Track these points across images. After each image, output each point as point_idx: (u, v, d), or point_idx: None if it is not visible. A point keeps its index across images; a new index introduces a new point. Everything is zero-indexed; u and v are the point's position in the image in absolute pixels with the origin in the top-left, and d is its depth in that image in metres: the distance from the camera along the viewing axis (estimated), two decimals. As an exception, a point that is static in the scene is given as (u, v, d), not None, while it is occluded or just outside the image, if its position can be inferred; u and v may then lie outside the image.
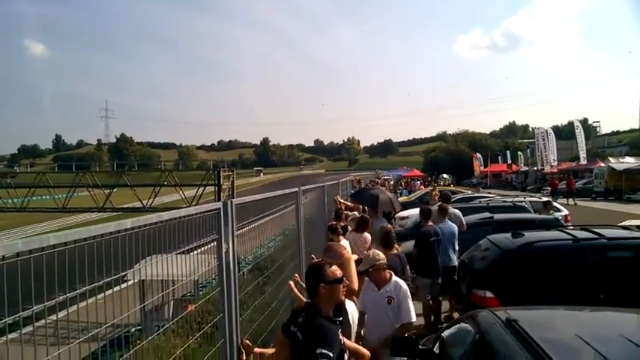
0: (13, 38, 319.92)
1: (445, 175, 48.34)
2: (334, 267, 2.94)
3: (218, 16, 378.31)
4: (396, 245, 6.33)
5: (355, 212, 10.10)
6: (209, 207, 3.27)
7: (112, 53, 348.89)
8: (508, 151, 66.20)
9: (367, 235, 7.45)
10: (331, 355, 2.55)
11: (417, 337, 3.90)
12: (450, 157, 77.47)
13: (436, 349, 3.43)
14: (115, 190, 20.92)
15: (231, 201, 3.45)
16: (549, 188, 33.57)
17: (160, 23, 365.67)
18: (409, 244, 8.11)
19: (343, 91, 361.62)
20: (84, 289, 2.27)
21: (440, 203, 9.55)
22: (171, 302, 4.86)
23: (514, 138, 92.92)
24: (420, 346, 3.47)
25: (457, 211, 9.27)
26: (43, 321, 2.06)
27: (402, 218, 14.87)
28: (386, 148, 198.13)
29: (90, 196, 21.32)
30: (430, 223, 7.72)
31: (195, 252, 3.55)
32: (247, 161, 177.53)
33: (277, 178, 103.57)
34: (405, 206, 16.21)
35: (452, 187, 30.04)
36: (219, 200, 18.54)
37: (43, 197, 24.39)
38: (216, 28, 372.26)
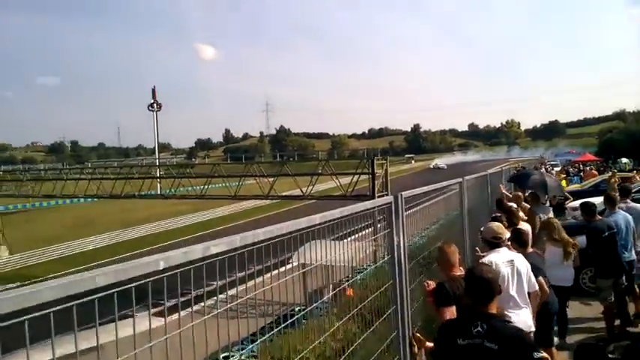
0: (186, 43, 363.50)
1: (625, 160, 41.16)
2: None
3: (365, 1, 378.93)
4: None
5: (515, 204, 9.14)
6: (382, 201, 3.51)
7: (270, 49, 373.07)
8: None
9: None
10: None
11: (603, 343, 3.41)
12: (631, 139, 66.45)
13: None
14: (277, 178, 22.71)
15: (401, 194, 3.57)
16: None
17: (308, 14, 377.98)
18: (584, 239, 7.10)
19: (500, 69, 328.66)
20: (255, 268, 2.48)
21: (607, 193, 7.95)
22: (330, 286, 5.06)
23: None
24: (610, 355, 3.02)
25: (638, 206, 7.48)
26: (222, 296, 2.34)
27: (575, 209, 13.24)
28: (551, 129, 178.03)
29: (256, 185, 23.51)
30: (599, 217, 6.74)
31: (350, 238, 3.62)
32: (398, 148, 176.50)
33: (429, 165, 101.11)
34: (579, 195, 14.44)
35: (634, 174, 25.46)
36: (372, 189, 18.74)
37: (217, 185, 27.66)
38: (363, 14, 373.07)
